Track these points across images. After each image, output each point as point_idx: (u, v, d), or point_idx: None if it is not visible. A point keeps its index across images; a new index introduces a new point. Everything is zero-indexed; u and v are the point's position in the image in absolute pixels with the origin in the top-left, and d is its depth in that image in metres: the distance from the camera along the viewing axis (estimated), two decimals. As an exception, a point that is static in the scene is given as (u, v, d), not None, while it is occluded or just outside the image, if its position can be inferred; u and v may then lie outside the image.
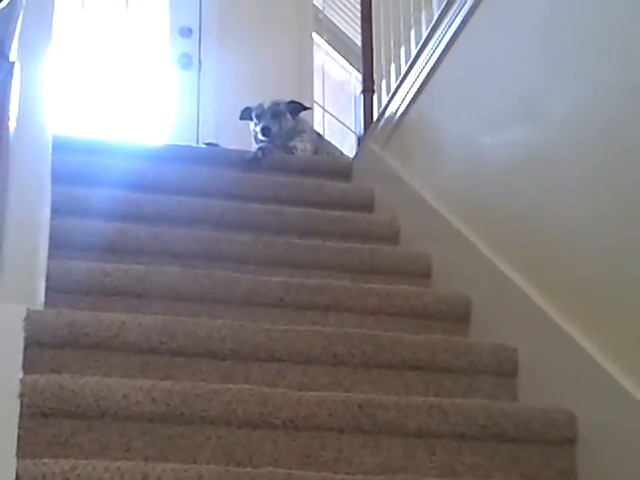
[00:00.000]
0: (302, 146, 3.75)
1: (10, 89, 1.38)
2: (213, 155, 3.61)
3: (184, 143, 4.10)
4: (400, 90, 3.31)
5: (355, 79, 5.92)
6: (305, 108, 3.88)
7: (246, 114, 3.82)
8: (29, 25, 1.78)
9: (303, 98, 4.23)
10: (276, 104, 3.76)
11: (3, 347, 1.84)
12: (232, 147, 3.74)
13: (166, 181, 3.19)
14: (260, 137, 3.69)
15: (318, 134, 4.05)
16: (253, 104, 3.82)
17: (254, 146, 3.68)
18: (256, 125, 3.74)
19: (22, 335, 1.91)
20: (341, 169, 3.68)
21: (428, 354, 2.25)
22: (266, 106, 3.75)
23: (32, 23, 1.87)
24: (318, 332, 2.22)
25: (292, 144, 3.72)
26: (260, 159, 3.51)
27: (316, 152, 3.83)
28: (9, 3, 1.41)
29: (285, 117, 3.75)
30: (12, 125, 1.51)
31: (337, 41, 6.11)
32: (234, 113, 3.93)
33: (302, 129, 3.83)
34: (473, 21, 2.77)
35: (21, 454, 1.65)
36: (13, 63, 1.40)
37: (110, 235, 2.68)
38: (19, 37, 1.65)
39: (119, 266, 2.44)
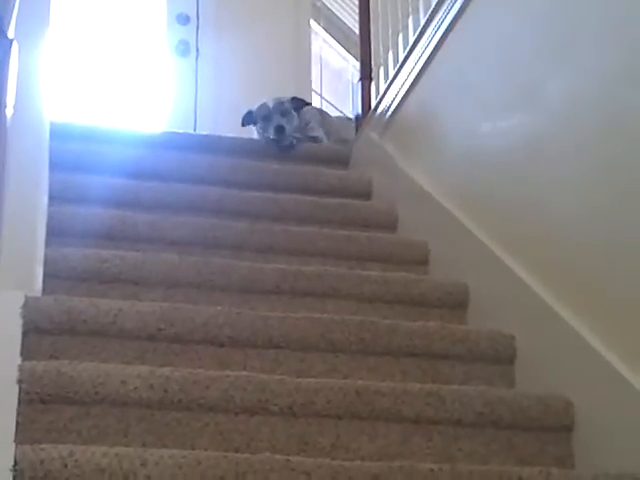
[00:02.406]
0: (319, 134, 3.73)
1: (8, 68, 1.37)
2: (210, 142, 3.61)
3: (182, 130, 4.09)
4: (398, 78, 3.31)
5: (353, 67, 5.91)
6: (307, 104, 3.81)
7: (249, 119, 3.68)
8: (27, 7, 1.77)
9: (301, 86, 4.23)
10: (280, 103, 3.65)
11: (1, 333, 1.84)
12: (230, 134, 3.73)
13: (164, 169, 3.19)
14: (272, 137, 3.56)
15: (319, 111, 3.98)
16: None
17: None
18: (262, 127, 3.61)
19: (20, 322, 1.91)
20: (339, 156, 3.68)
21: (425, 341, 2.25)
22: (271, 105, 3.64)
23: (31, 5, 1.86)
24: (315, 319, 2.23)
25: (313, 135, 3.69)
26: (294, 146, 3.52)
27: (327, 133, 3.79)
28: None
29: (292, 115, 3.65)
30: (9, 110, 1.51)
31: (335, 29, 6.10)
32: (232, 100, 3.92)
33: (307, 120, 3.75)
34: (471, 8, 2.76)
35: (20, 440, 1.65)
36: (12, 41, 1.38)
37: (108, 222, 2.68)
38: (17, 19, 1.65)
39: (117, 253, 2.44)
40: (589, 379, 1.98)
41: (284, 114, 3.61)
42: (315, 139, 3.71)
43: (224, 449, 1.82)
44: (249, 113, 3.68)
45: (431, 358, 2.25)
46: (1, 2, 1.37)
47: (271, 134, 3.57)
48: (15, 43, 1.39)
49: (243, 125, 3.70)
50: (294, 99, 3.72)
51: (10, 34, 1.39)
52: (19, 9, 1.52)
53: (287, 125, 3.58)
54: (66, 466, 1.57)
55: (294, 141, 3.52)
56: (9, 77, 1.41)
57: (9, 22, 1.39)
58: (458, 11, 2.81)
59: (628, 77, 1.95)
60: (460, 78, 2.86)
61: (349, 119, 3.95)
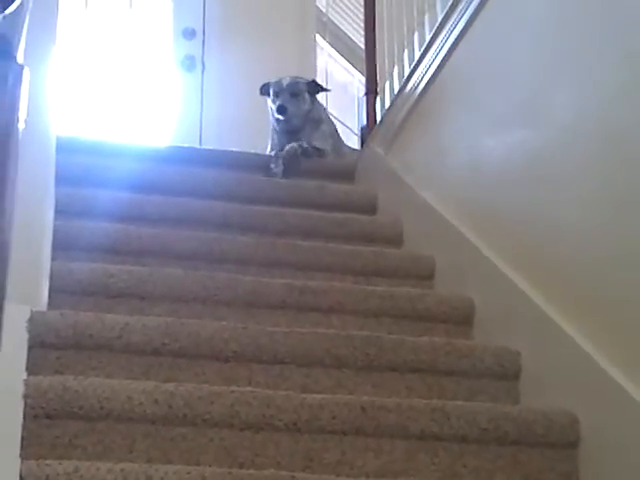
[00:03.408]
0: (325, 144, 3.66)
1: (20, 92, 1.39)
2: (216, 157, 3.62)
3: (187, 145, 4.10)
4: (403, 92, 3.32)
5: (358, 81, 5.92)
6: (324, 89, 3.76)
7: (265, 90, 3.70)
8: (35, 27, 1.78)
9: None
10: (295, 82, 3.66)
11: (7, 348, 1.83)
12: (235, 149, 3.73)
13: (169, 183, 3.19)
14: (276, 115, 3.61)
15: (335, 128, 3.93)
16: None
17: (271, 122, 3.64)
18: (273, 102, 3.64)
19: (26, 336, 1.92)
20: (344, 171, 3.68)
21: (431, 357, 2.25)
22: (285, 83, 3.64)
23: (38, 25, 1.87)
24: (321, 334, 2.22)
25: (316, 144, 3.62)
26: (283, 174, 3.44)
27: (334, 148, 3.73)
28: (17, 6, 1.41)
29: (303, 97, 3.64)
30: (21, 127, 1.52)
31: (340, 43, 6.12)
32: (237, 115, 3.91)
33: (320, 118, 3.71)
34: (476, 24, 2.77)
35: (25, 455, 1.65)
36: (22, 66, 1.40)
37: (113, 236, 2.69)
38: (25, 39, 1.66)
39: (123, 267, 2.45)
40: (595, 395, 1.98)
41: (294, 94, 3.60)
42: (320, 152, 3.65)
43: (229, 465, 1.82)
44: (266, 85, 3.68)
45: (436, 374, 2.24)
46: (10, 27, 1.38)
47: (275, 111, 3.58)
48: (26, 68, 1.40)
49: (261, 94, 3.70)
50: (312, 82, 3.71)
51: (20, 58, 1.40)
52: (27, 29, 1.53)
53: (291, 107, 3.57)
54: (71, 482, 1.58)
55: (280, 173, 3.44)
56: (21, 99, 1.42)
57: (18, 47, 1.40)
58: (464, 27, 2.82)
59: (631, 90, 1.95)
60: (465, 93, 2.87)
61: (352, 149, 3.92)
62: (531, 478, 1.97)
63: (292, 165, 3.48)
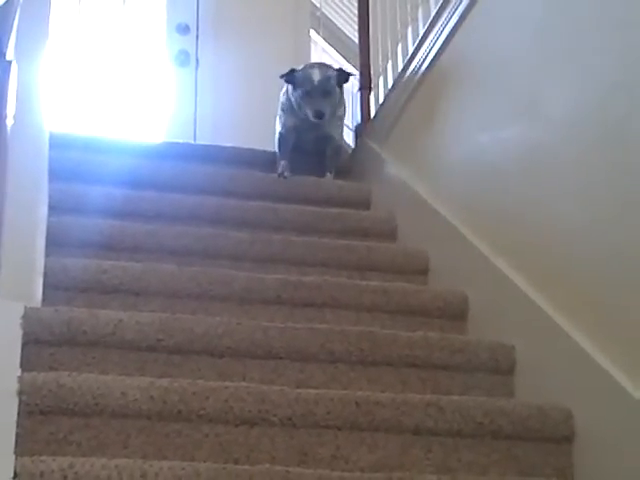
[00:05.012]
0: (337, 132, 3.48)
1: (7, 87, 1.39)
2: (210, 152, 3.61)
3: (181, 140, 4.10)
4: (397, 87, 3.31)
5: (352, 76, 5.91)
6: (351, 75, 3.46)
7: (290, 79, 3.34)
8: (26, 22, 1.78)
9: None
10: (327, 78, 3.28)
11: (1, 345, 1.84)
12: (229, 144, 3.73)
13: (163, 178, 3.19)
14: (313, 120, 3.26)
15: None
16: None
17: (283, 103, 3.43)
18: (301, 99, 3.29)
19: (20, 333, 1.91)
20: (338, 166, 3.67)
21: (425, 351, 2.25)
22: (316, 80, 3.27)
23: (29, 20, 1.86)
24: (315, 329, 2.23)
25: (328, 132, 3.42)
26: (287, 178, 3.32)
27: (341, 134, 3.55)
28: (7, 1, 1.41)
29: (335, 92, 3.33)
30: (9, 123, 1.52)
31: (334, 38, 6.11)
32: (231, 110, 3.89)
33: (341, 103, 3.46)
34: (470, 18, 2.77)
35: (19, 452, 1.65)
36: (10, 62, 1.40)
37: (107, 232, 2.69)
38: (16, 34, 1.65)
39: (117, 263, 2.44)
40: (589, 389, 1.98)
41: (326, 93, 3.29)
42: (330, 141, 3.46)
43: (224, 460, 1.82)
44: (292, 72, 3.34)
45: (431, 368, 2.25)
46: (0, 23, 1.38)
47: (310, 115, 3.27)
48: (14, 63, 1.40)
49: (281, 77, 3.38)
50: (340, 72, 3.39)
51: (9, 54, 1.40)
52: (19, 23, 1.53)
53: (327, 109, 3.28)
54: (65, 478, 1.58)
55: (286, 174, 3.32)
56: (8, 94, 1.42)
57: (7, 41, 1.40)
58: (457, 22, 2.82)
59: (628, 85, 1.95)
60: (459, 88, 2.87)
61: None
62: (525, 472, 1.98)
63: None
